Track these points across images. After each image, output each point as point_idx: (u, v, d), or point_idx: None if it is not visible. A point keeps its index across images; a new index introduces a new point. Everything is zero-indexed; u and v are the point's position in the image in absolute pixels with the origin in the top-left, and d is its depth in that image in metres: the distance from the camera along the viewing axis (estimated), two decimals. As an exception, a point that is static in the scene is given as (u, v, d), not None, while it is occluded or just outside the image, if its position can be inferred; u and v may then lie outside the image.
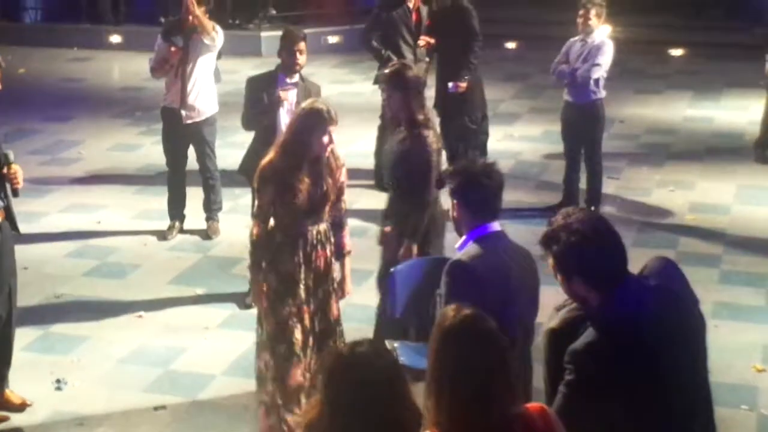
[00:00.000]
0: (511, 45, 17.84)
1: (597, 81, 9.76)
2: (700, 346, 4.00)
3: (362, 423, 3.27)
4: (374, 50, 10.69)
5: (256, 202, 6.29)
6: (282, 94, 7.95)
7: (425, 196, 6.72)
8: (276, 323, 6.22)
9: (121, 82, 15.55)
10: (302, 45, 8.05)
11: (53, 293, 8.47)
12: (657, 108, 13.98)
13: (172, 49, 9.11)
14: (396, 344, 6.36)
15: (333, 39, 17.70)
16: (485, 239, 4.77)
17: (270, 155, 6.18)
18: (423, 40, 10.50)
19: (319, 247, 6.27)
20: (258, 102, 8.02)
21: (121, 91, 14.99)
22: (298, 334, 6.20)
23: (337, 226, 6.42)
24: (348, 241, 6.49)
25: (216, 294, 8.48)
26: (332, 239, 6.37)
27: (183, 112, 9.20)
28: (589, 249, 3.89)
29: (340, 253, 6.43)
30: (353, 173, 10.94)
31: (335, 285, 6.41)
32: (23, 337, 7.74)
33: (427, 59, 10.89)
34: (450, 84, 10.42)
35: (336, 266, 6.43)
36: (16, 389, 7.00)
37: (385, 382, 3.32)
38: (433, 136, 6.83)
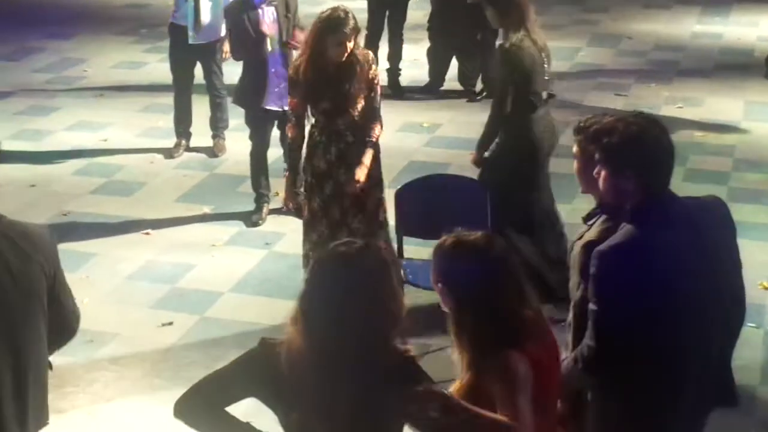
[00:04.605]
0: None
1: None
2: (718, 282, 3.88)
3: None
4: None
5: (288, 105, 6.69)
6: (266, 28, 7.86)
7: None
8: (309, 216, 6.65)
9: (124, -1, 15.42)
10: None
11: (60, 211, 8.47)
12: (665, 24, 13.84)
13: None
14: (403, 262, 6.37)
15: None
16: None
17: (298, 61, 6.50)
18: None
19: (352, 145, 6.49)
20: (242, 30, 7.92)
21: (124, 8, 14.84)
22: (323, 227, 6.55)
23: (369, 120, 6.52)
24: (375, 132, 6.55)
25: (223, 212, 8.46)
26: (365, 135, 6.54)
27: (191, 31, 9.10)
28: (648, 143, 3.81)
29: (367, 142, 6.53)
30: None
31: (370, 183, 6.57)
32: (31, 254, 7.76)
33: None
34: None
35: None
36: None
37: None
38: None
